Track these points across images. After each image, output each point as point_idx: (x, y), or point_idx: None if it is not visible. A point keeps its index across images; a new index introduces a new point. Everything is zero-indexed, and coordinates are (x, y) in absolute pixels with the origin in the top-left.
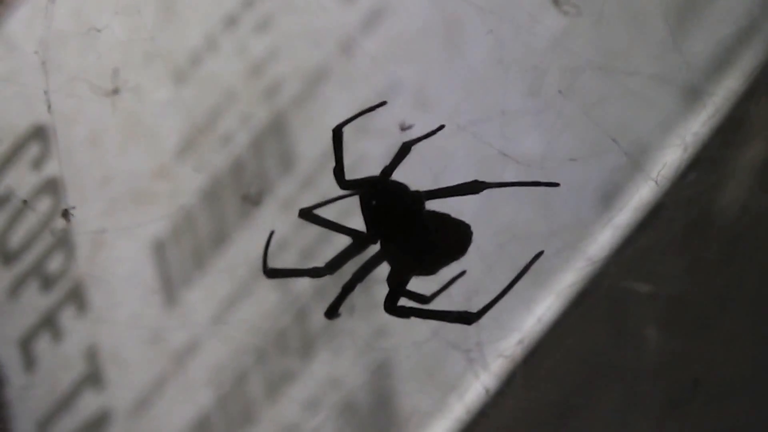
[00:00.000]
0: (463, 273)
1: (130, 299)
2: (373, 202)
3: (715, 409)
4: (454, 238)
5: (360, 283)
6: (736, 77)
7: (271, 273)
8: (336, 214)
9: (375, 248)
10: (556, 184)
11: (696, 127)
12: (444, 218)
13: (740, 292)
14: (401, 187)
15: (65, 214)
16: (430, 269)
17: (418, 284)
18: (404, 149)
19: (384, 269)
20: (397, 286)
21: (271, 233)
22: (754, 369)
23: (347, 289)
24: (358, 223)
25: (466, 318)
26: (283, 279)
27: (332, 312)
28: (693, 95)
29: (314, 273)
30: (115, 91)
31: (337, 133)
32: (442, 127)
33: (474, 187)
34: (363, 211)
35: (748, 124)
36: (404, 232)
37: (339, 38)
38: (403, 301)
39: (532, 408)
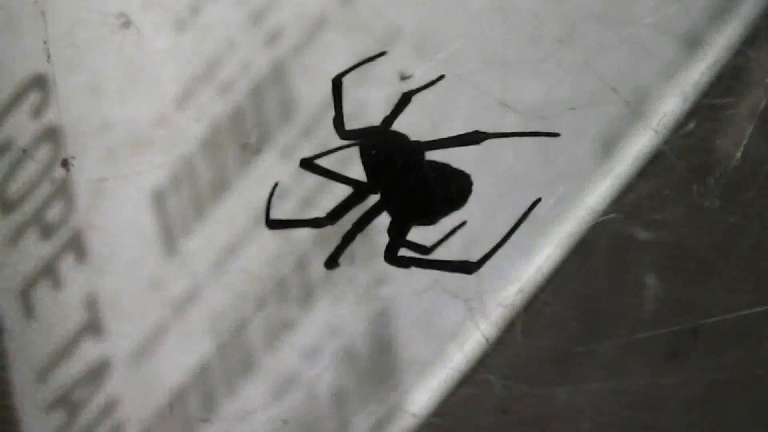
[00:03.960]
0: (463, 223)
1: (129, 248)
2: (374, 152)
3: (714, 356)
4: (454, 188)
5: (361, 233)
6: (736, 26)
7: (274, 224)
8: (337, 163)
9: (376, 198)
10: (556, 134)
11: (696, 75)
12: (444, 168)
13: (740, 239)
14: (401, 137)
15: (65, 163)
16: (430, 219)
17: (418, 234)
18: (404, 99)
19: (385, 219)
20: (397, 236)
21: (275, 185)
22: (754, 316)
23: (348, 238)
24: (359, 172)
25: (467, 268)
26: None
27: (332, 262)
28: (693, 44)
29: (315, 223)
30: (114, 40)
31: (337, 84)
32: (442, 77)
33: (474, 138)
34: (363, 161)
35: (747, 72)
36: (404, 182)
37: None
38: (404, 252)
39: (531, 356)
